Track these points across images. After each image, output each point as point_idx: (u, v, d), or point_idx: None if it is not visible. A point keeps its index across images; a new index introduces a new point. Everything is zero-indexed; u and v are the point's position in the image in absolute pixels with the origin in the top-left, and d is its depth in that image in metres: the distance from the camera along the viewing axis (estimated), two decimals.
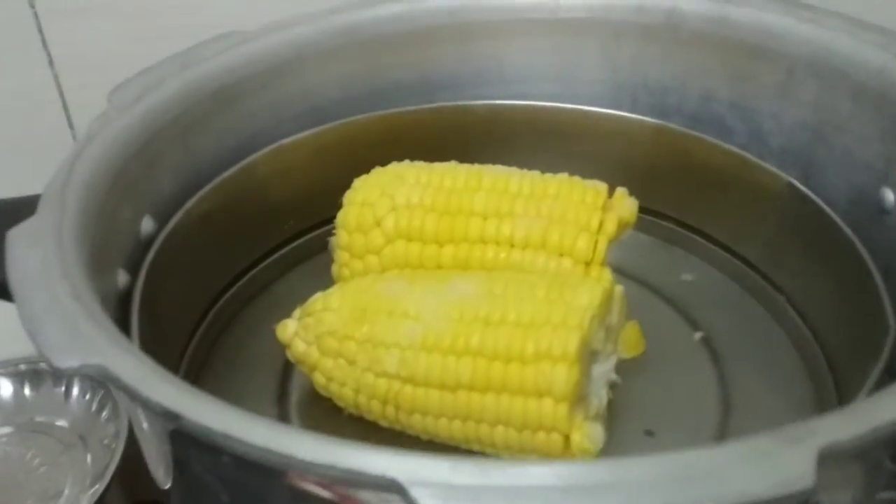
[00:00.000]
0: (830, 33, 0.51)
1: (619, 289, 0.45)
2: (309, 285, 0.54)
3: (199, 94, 0.51)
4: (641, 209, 0.56)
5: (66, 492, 0.59)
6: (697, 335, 0.52)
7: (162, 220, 0.48)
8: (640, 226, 0.51)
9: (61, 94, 0.68)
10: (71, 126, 0.70)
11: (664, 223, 0.58)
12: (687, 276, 0.56)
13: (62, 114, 0.69)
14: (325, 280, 0.53)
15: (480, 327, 0.42)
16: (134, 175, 0.47)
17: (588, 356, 0.42)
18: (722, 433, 0.46)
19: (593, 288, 0.42)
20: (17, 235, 0.37)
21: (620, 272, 0.55)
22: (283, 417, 0.48)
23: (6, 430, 0.62)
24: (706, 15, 0.55)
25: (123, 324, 0.42)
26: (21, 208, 0.40)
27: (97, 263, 0.41)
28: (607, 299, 0.43)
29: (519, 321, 0.42)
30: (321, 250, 0.55)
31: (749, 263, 0.54)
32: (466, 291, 0.43)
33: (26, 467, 0.60)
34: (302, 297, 0.50)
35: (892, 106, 0.48)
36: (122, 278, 0.44)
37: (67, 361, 0.31)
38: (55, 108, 0.68)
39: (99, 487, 0.56)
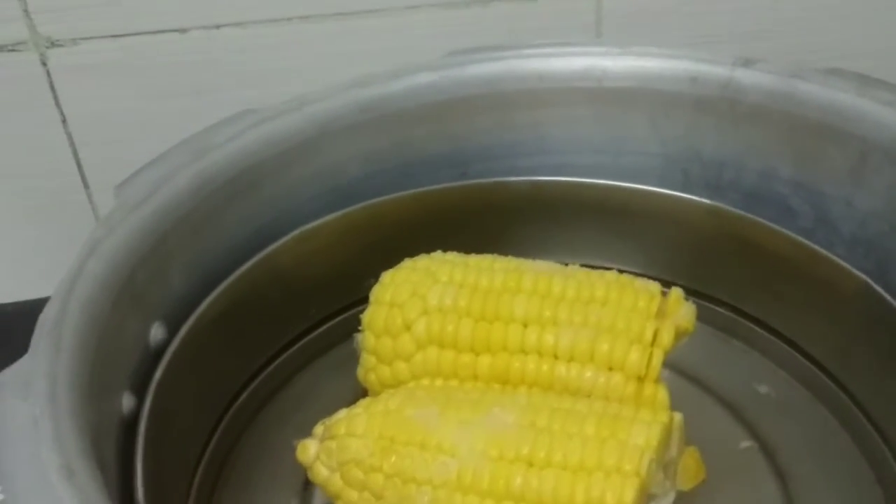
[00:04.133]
0: None
1: (678, 418, 0.40)
2: (333, 379, 0.51)
3: (213, 185, 0.47)
4: (694, 293, 0.52)
5: None
6: (751, 444, 0.47)
7: (173, 326, 0.44)
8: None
9: (75, 153, 0.66)
10: (86, 185, 0.67)
11: (720, 310, 0.53)
12: (748, 375, 0.51)
13: (76, 172, 0.66)
14: (349, 375, 0.49)
15: (523, 468, 0.38)
16: (143, 282, 0.43)
17: (645, 501, 0.38)
18: None
19: (651, 425, 0.38)
20: (6, 383, 0.33)
21: (672, 367, 0.50)
22: None
23: None
24: (769, 89, 0.50)
25: (128, 452, 0.38)
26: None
27: (99, 393, 0.38)
28: (666, 436, 0.39)
29: (567, 463, 0.37)
30: (344, 339, 0.51)
31: (817, 363, 0.50)
32: (507, 422, 0.39)
33: None
34: (326, 393, 0.46)
35: None
36: (128, 402, 0.40)
37: None
38: (69, 167, 0.66)
39: None
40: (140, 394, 0.41)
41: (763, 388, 0.50)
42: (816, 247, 0.48)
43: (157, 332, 0.44)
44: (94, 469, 0.31)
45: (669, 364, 0.50)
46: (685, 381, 0.51)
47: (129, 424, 0.40)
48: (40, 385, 0.33)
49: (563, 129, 0.55)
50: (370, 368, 0.47)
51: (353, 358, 0.48)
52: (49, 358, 0.34)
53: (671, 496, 0.40)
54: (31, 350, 0.34)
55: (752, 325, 0.52)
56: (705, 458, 0.44)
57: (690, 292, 0.52)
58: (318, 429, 0.43)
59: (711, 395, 0.50)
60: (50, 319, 0.36)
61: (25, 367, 0.34)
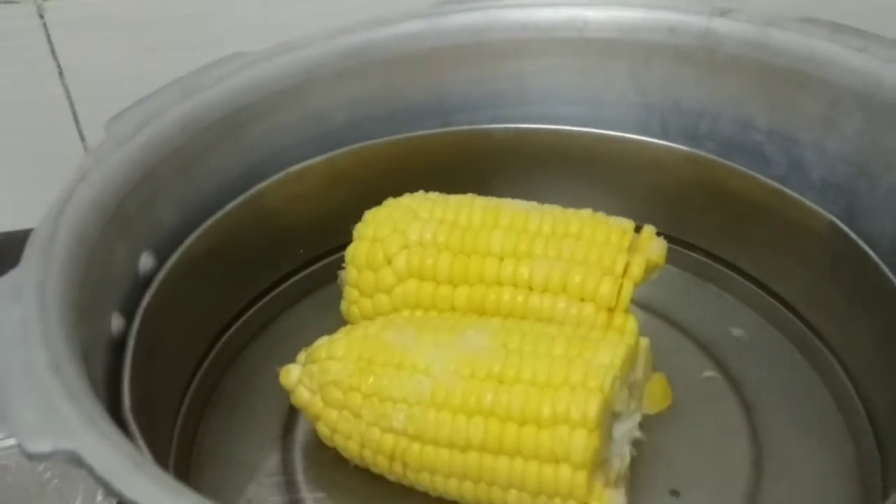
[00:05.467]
0: (880, 64, 0.47)
1: (644, 342, 0.42)
2: (318, 319, 0.52)
3: (201, 123, 0.48)
4: (671, 239, 0.53)
5: None
6: (715, 374, 0.49)
7: (162, 256, 0.46)
8: (668, 257, 0.48)
9: (72, 106, 0.66)
10: (82, 138, 0.68)
11: (695, 255, 0.55)
12: (718, 316, 0.52)
13: (73, 125, 0.67)
14: (335, 313, 0.50)
15: (493, 385, 0.39)
16: (131, 212, 0.44)
17: (610, 418, 0.39)
18: (753, 493, 0.43)
19: (616, 345, 0.39)
20: None
21: (646, 308, 0.52)
22: (286, 465, 0.46)
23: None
24: (744, 38, 0.51)
25: (116, 372, 0.40)
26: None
27: (88, 310, 0.39)
28: (631, 356, 0.40)
29: (535, 380, 0.39)
30: (331, 280, 0.52)
31: (786, 304, 0.51)
32: (479, 344, 0.41)
33: (38, 480, 0.59)
34: (310, 332, 0.47)
35: None
36: (117, 323, 0.42)
37: (38, 445, 0.28)
38: (66, 120, 0.67)
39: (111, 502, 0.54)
40: (129, 317, 0.42)
41: (735, 330, 0.52)
42: (788, 190, 0.49)
43: (146, 261, 0.45)
44: (81, 366, 0.33)
45: (644, 305, 0.52)
46: (658, 320, 0.52)
47: (118, 345, 0.41)
48: (31, 293, 0.34)
49: (545, 79, 0.56)
50: (353, 301, 0.48)
51: (338, 299, 0.50)
52: (40, 269, 0.36)
53: (636, 417, 0.42)
54: (22, 262, 0.36)
55: (724, 269, 0.54)
56: (673, 388, 0.45)
57: (666, 238, 0.53)
58: (301, 355, 0.44)
59: (684, 334, 0.51)
60: (41, 235, 0.37)
61: (16, 277, 0.35)
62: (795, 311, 0.51)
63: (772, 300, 0.52)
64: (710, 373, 0.49)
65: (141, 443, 0.36)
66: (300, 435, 0.47)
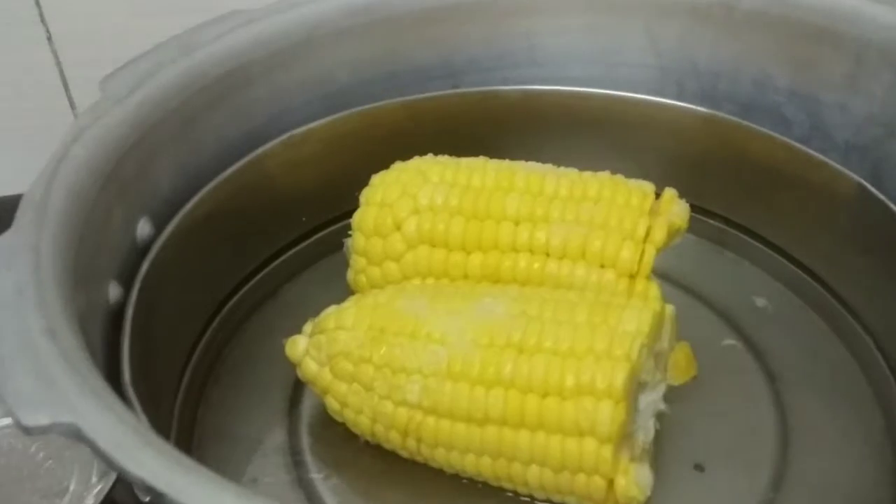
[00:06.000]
0: None
1: (669, 309, 0.40)
2: (323, 289, 0.50)
3: (199, 83, 0.46)
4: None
5: (72, 487, 0.55)
6: (735, 342, 0.47)
7: (160, 223, 0.43)
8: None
9: (61, 72, 0.64)
10: (72, 105, 0.66)
11: (714, 223, 0.53)
12: (739, 285, 0.51)
13: (62, 91, 0.65)
14: (341, 284, 0.48)
15: (513, 355, 0.37)
16: (128, 175, 0.42)
17: (636, 388, 0.37)
18: (780, 468, 0.42)
19: (642, 311, 0.37)
20: None
21: (664, 278, 0.50)
22: (292, 442, 0.44)
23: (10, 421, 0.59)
24: None
25: (115, 342, 0.38)
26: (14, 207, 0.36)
27: (84, 278, 0.37)
28: (657, 324, 0.38)
29: (557, 349, 0.37)
30: (336, 249, 0.50)
31: (810, 272, 0.49)
32: (497, 312, 0.39)
33: (31, 461, 0.57)
34: (315, 303, 0.45)
35: None
36: (114, 291, 0.40)
37: (36, 418, 0.26)
38: (55, 86, 0.64)
39: (105, 485, 0.53)
40: (127, 285, 0.40)
41: (757, 299, 0.50)
42: (812, 151, 0.47)
43: (143, 228, 0.43)
44: (78, 335, 0.31)
45: (662, 274, 0.50)
46: (678, 289, 0.50)
47: (116, 313, 0.39)
48: (24, 256, 0.32)
49: (555, 39, 0.54)
50: (360, 270, 0.46)
51: (344, 269, 0.48)
52: (33, 231, 0.33)
53: (661, 388, 0.40)
54: (14, 224, 0.34)
55: (744, 237, 0.52)
56: (697, 357, 0.44)
57: None
58: (307, 326, 0.42)
59: (703, 303, 0.50)
60: (34, 197, 0.35)
61: (9, 240, 0.33)
62: (820, 280, 0.49)
63: (794, 268, 0.50)
64: (730, 341, 0.48)
65: (143, 417, 0.34)
66: (306, 410, 0.45)
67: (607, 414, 0.35)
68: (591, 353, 0.36)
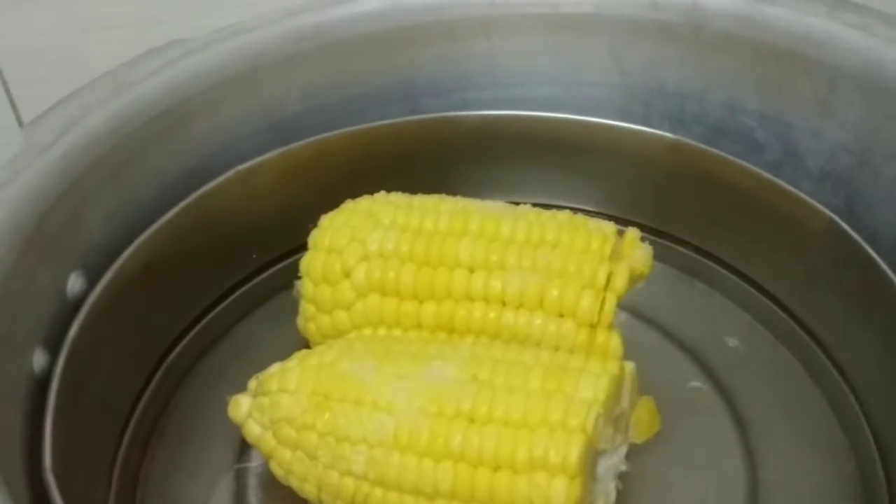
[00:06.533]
0: (882, 44, 0.42)
1: (629, 368, 0.38)
2: (274, 329, 0.48)
3: (134, 123, 0.43)
4: (656, 233, 0.50)
5: None
6: (702, 385, 0.45)
7: (94, 276, 0.41)
8: (654, 252, 0.43)
9: (7, 90, 0.62)
10: (20, 123, 0.63)
11: (682, 250, 0.51)
12: (709, 319, 0.48)
13: (10, 110, 0.63)
14: (292, 325, 0.46)
15: (463, 425, 0.35)
16: (55, 229, 0.40)
17: (593, 459, 0.35)
18: None
19: (599, 377, 0.35)
20: None
21: (631, 311, 0.48)
22: (240, 502, 0.42)
23: None
24: (734, 13, 0.47)
25: (37, 419, 0.35)
26: None
27: (4, 347, 0.35)
28: (616, 388, 0.36)
29: (509, 419, 0.35)
30: (287, 287, 0.47)
31: (782, 306, 0.47)
32: (447, 376, 0.36)
33: None
34: (266, 345, 0.44)
35: None
36: (40, 360, 0.37)
37: None
38: (2, 105, 0.62)
39: None
40: (54, 351, 0.38)
41: (726, 337, 0.47)
42: (782, 182, 0.45)
43: (75, 283, 0.41)
44: None
45: (628, 307, 0.48)
46: (644, 324, 0.48)
47: (41, 384, 0.37)
48: None
49: (516, 60, 0.52)
50: (309, 318, 0.44)
51: (295, 307, 0.45)
52: None
53: (623, 450, 0.38)
54: None
55: (714, 266, 0.50)
56: (661, 404, 0.41)
57: (651, 231, 0.49)
58: (252, 383, 0.40)
59: (669, 339, 0.47)
60: None
61: None
62: (792, 314, 0.47)
63: (767, 301, 0.48)
64: (696, 383, 0.45)
65: None
66: (255, 463, 0.43)
67: (562, 491, 0.33)
68: (544, 425, 0.34)
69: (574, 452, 0.33)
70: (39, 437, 0.34)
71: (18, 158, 0.39)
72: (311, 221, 0.45)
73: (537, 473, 0.34)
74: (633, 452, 0.39)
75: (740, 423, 0.43)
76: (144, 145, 0.44)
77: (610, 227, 0.42)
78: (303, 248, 0.45)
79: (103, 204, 0.42)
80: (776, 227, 0.46)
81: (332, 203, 0.45)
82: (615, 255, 0.41)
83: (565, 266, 0.41)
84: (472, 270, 0.41)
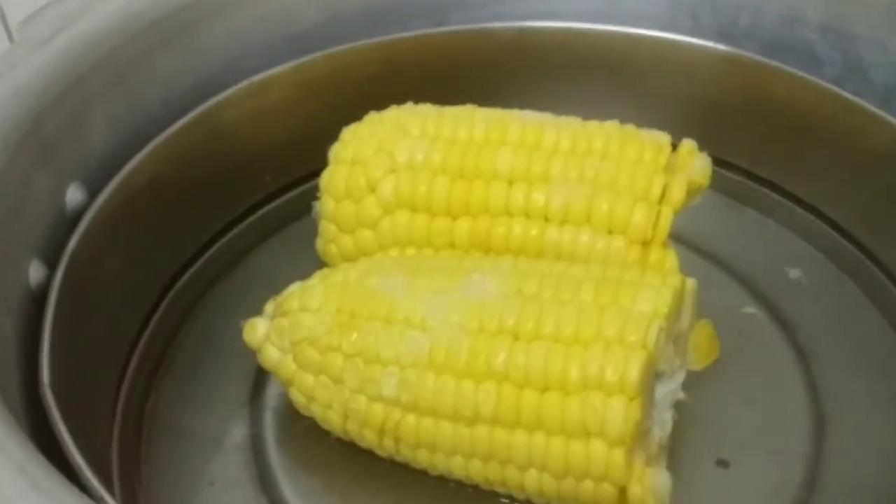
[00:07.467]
0: None
1: (690, 283, 0.34)
2: (290, 259, 0.45)
3: (140, 22, 0.40)
4: None
5: None
6: (753, 311, 0.42)
7: (94, 189, 0.38)
8: None
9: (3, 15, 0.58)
10: (9, 35, 0.61)
11: (735, 176, 0.47)
12: (762, 247, 0.45)
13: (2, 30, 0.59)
14: (311, 252, 0.42)
15: (507, 342, 0.31)
16: (53, 132, 0.36)
17: (652, 380, 0.32)
18: (813, 460, 0.36)
19: (660, 290, 0.32)
20: None
21: (678, 240, 0.44)
22: (255, 438, 0.38)
23: None
24: None
25: (34, 334, 0.32)
26: None
27: None
28: (677, 302, 0.32)
29: (559, 335, 0.31)
30: (304, 213, 0.44)
31: (845, 233, 0.44)
32: (488, 291, 0.33)
33: None
34: (281, 275, 0.40)
35: None
36: (37, 273, 0.34)
37: None
38: None
39: None
40: (52, 264, 0.34)
41: (783, 264, 0.44)
42: (846, 94, 0.41)
43: (74, 195, 0.37)
44: None
45: (673, 234, 0.44)
46: (690, 251, 0.44)
47: (38, 299, 0.33)
48: None
49: None
50: (330, 239, 0.41)
51: (313, 235, 0.42)
52: None
53: (681, 375, 0.34)
54: None
55: (768, 192, 0.47)
56: (717, 332, 0.38)
57: None
58: (269, 306, 0.37)
59: (722, 269, 0.44)
60: None
61: None
62: (855, 241, 0.44)
63: (827, 228, 0.45)
64: (752, 310, 0.42)
65: (61, 426, 0.28)
66: (271, 399, 0.40)
67: (620, 412, 0.30)
68: (599, 340, 0.31)
69: (634, 370, 0.30)
70: (37, 354, 0.31)
71: (12, 52, 0.35)
72: (327, 143, 0.41)
73: (591, 394, 0.30)
74: (688, 384, 0.36)
75: (801, 354, 0.40)
76: (150, 49, 0.41)
77: (664, 136, 0.39)
78: (319, 172, 0.41)
79: (106, 108, 0.39)
80: (839, 146, 0.43)
81: (350, 122, 0.41)
82: (670, 167, 0.38)
83: (616, 177, 0.37)
84: (511, 183, 0.38)
